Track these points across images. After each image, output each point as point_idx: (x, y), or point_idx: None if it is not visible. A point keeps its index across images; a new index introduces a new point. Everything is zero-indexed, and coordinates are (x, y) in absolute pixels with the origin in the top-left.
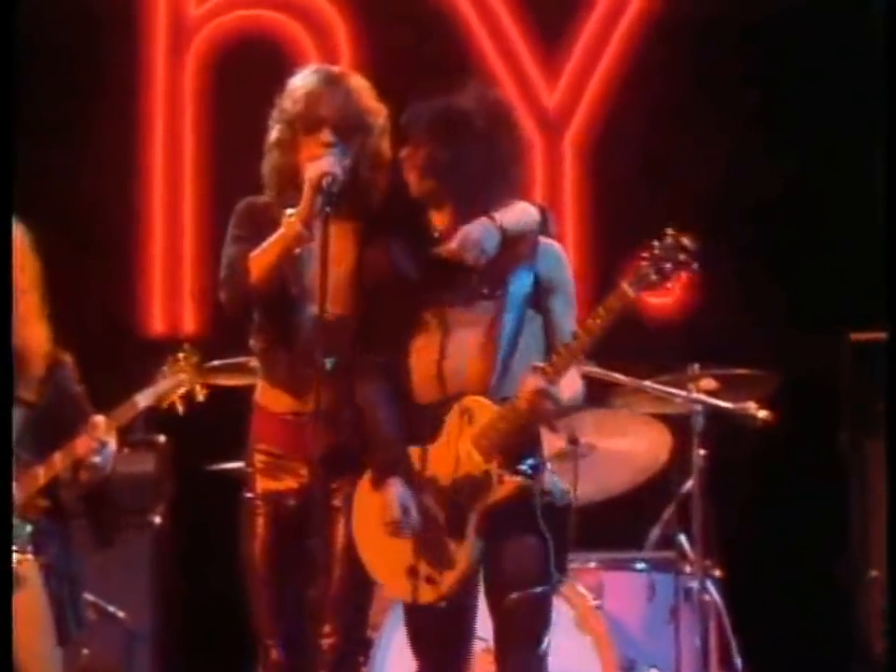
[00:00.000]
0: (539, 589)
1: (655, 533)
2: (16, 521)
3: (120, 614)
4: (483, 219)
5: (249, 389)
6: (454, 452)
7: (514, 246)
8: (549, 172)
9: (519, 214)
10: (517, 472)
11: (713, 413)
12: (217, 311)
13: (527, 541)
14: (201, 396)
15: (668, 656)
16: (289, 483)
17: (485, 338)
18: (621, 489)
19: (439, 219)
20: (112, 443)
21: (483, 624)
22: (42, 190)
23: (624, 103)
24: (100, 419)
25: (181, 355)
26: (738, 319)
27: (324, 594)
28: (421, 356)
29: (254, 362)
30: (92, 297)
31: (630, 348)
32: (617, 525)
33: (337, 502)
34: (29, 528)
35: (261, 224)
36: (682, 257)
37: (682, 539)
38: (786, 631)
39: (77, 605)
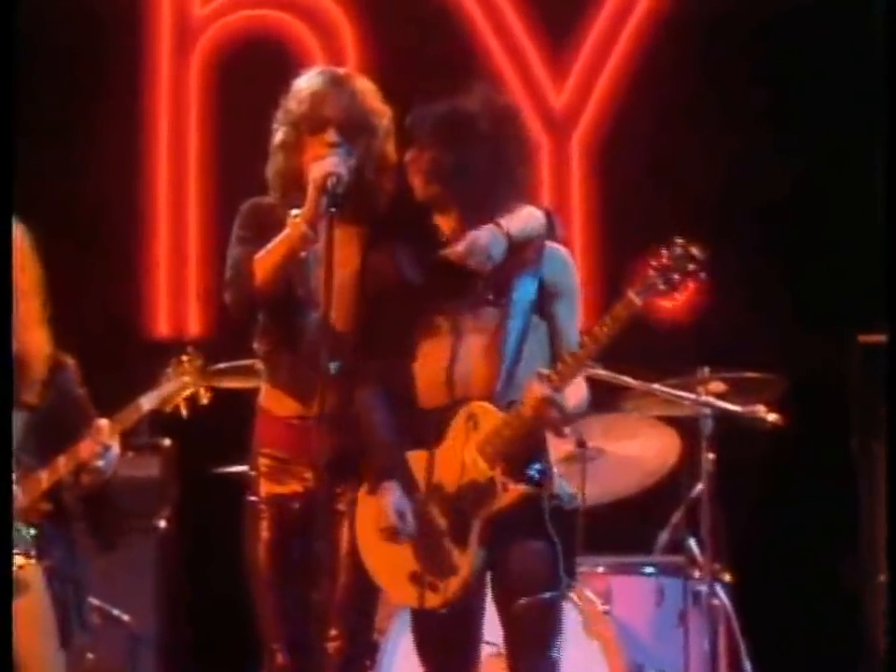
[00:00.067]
0: (548, 594)
1: (664, 537)
2: (19, 524)
3: (125, 618)
4: (491, 226)
5: (254, 392)
6: (459, 458)
7: (520, 252)
8: (556, 172)
9: (525, 219)
10: (522, 479)
11: (722, 417)
12: (222, 313)
13: (535, 546)
14: (205, 399)
15: (677, 661)
16: (294, 486)
17: (490, 344)
18: (629, 493)
19: (444, 223)
20: (115, 447)
21: (494, 629)
22: (46, 191)
23: (632, 103)
24: (103, 422)
25: (185, 357)
26: (747, 322)
27: (329, 597)
28: (428, 360)
29: (259, 365)
30: (96, 299)
31: (638, 351)
32: (625, 529)
33: (341, 506)
34: (32, 532)
35: (266, 225)
36: (691, 266)
37: (691, 542)
38: (795, 635)
39: (81, 608)
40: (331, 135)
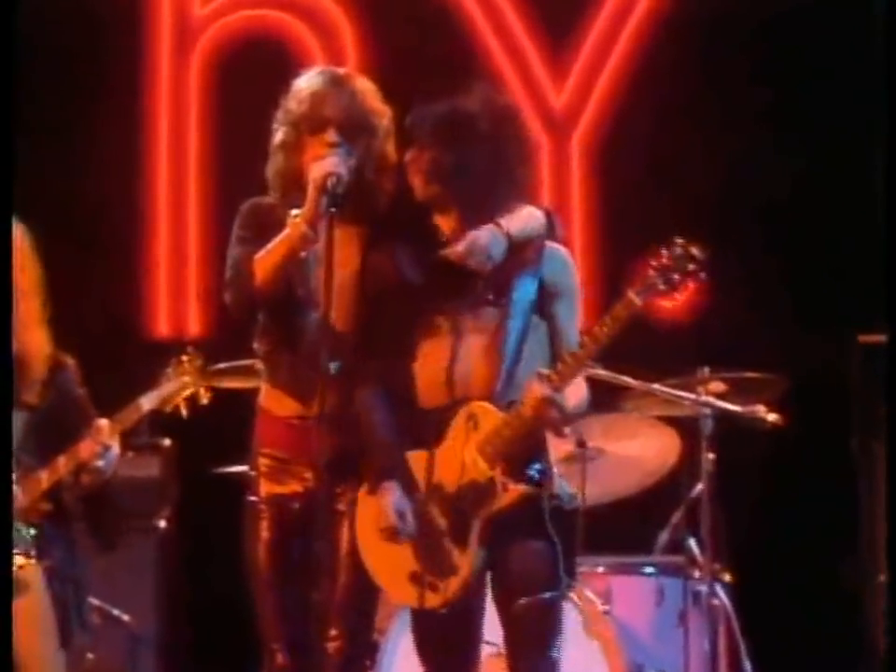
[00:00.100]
0: (548, 594)
1: (664, 537)
2: (19, 524)
3: (125, 618)
4: (491, 226)
5: (255, 392)
6: (459, 458)
7: (520, 253)
8: (556, 172)
9: (525, 219)
10: (522, 479)
11: (722, 417)
12: (223, 313)
13: (535, 546)
14: (205, 399)
15: (677, 661)
16: (294, 486)
17: (490, 344)
18: (629, 493)
19: (444, 223)
20: (115, 447)
21: (494, 629)
22: (46, 191)
23: (633, 102)
24: (103, 422)
25: (185, 357)
26: (747, 321)
27: (329, 597)
28: (428, 360)
29: (259, 365)
30: (97, 298)
31: (638, 351)
32: (625, 529)
33: (341, 506)
34: (32, 532)
35: (266, 225)
36: (691, 266)
37: (691, 542)
38: (795, 635)
39: (81, 608)
40: (331, 135)
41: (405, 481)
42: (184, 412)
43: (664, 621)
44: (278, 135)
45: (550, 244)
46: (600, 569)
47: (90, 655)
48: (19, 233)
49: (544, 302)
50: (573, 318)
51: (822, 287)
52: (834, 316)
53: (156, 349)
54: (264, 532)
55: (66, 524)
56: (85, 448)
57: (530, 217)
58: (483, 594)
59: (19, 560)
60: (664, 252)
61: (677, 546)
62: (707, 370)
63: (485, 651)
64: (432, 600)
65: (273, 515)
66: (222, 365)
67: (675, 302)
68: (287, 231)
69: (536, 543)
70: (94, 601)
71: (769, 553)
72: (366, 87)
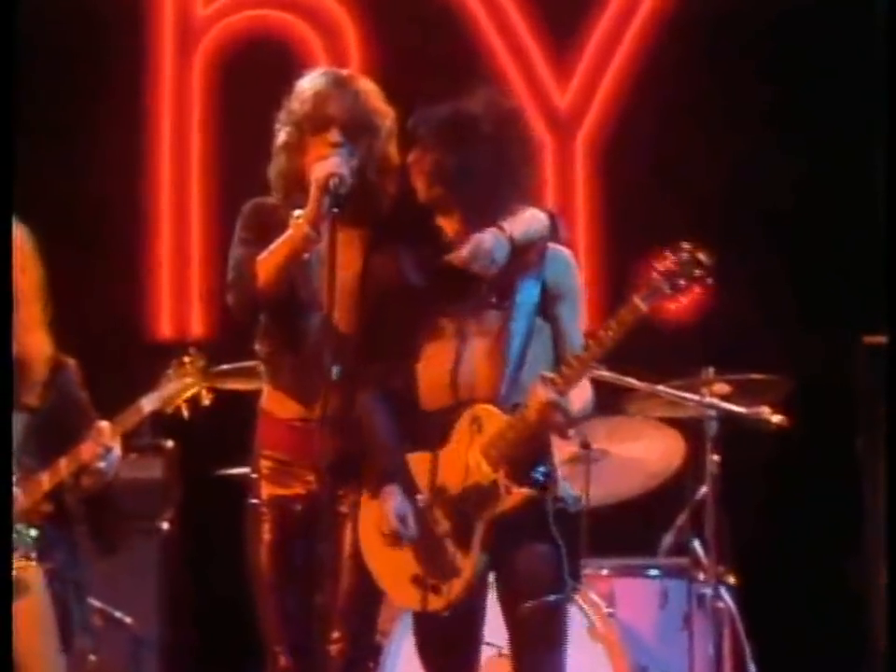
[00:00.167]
0: (552, 597)
1: (668, 539)
2: (20, 526)
3: (127, 620)
4: (494, 230)
5: (258, 394)
6: (462, 460)
7: (523, 255)
8: (560, 172)
9: (528, 222)
10: (525, 482)
11: (727, 418)
12: (226, 314)
13: (539, 549)
14: (206, 400)
15: (681, 664)
16: (296, 489)
17: (494, 347)
18: (633, 494)
19: (447, 225)
20: (117, 449)
21: (495, 630)
22: (48, 192)
23: (637, 103)
24: (105, 424)
25: (186, 358)
26: (751, 322)
27: (332, 600)
28: (432, 363)
29: (261, 367)
30: (99, 300)
31: (642, 352)
32: (629, 531)
33: (344, 508)
34: (33, 534)
35: (269, 226)
36: (697, 272)
37: (696, 545)
38: (800, 638)
39: (82, 610)
40: (334, 135)
41: (406, 484)
42: (185, 413)
43: (668, 623)
44: (281, 136)
45: (552, 245)
46: (604, 572)
47: (92, 657)
48: (21, 236)
49: (547, 305)
50: (576, 320)
51: (827, 287)
52: (839, 317)
53: (159, 350)
54: (266, 534)
55: (67, 526)
56: (86, 450)
57: (533, 219)
58: (485, 596)
59: (20, 562)
60: (670, 256)
61: (681, 548)
62: (711, 371)
63: (487, 652)
64: (435, 603)
65: (275, 518)
66: (225, 366)
67: (680, 306)
68: (289, 231)
69: (540, 546)
70: (97, 603)
71: (774, 555)
72: (369, 88)
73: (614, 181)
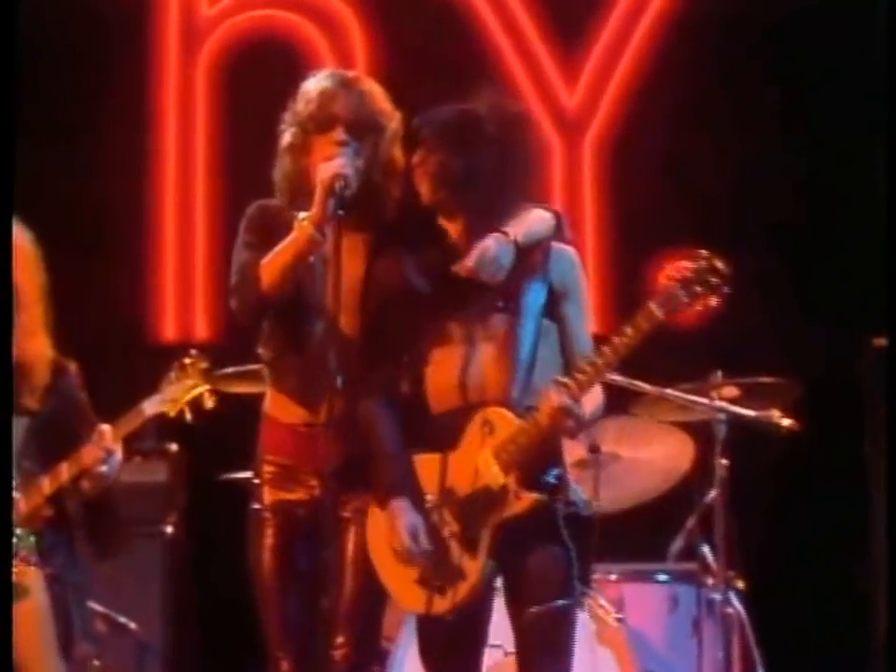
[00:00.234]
0: (561, 602)
1: (677, 544)
2: (21, 531)
3: (132, 625)
4: (498, 235)
5: (263, 397)
6: (473, 463)
7: (527, 257)
8: (568, 173)
9: (532, 223)
10: (535, 486)
11: (736, 422)
12: (231, 317)
13: (550, 553)
14: (209, 403)
15: (690, 669)
16: (299, 493)
17: (503, 351)
18: (643, 499)
19: (451, 228)
20: (118, 452)
21: (497, 631)
22: (52, 193)
23: (645, 103)
24: (106, 428)
25: (188, 361)
26: (760, 325)
27: (336, 605)
28: (440, 367)
29: (266, 370)
30: (103, 302)
31: (652, 356)
32: (638, 535)
33: (347, 513)
34: (34, 538)
35: (273, 229)
36: (714, 280)
37: (705, 549)
38: (810, 644)
39: (83, 615)
40: (339, 133)
41: (414, 495)
42: (188, 416)
43: (677, 628)
44: (285, 137)
45: (557, 245)
46: (613, 577)
47: (96, 663)
48: (24, 238)
49: (554, 305)
50: (582, 319)
51: (836, 289)
52: (849, 320)
53: (162, 353)
54: (269, 539)
55: (67, 530)
56: (88, 454)
57: (537, 219)
58: (491, 601)
59: (20, 566)
60: (687, 264)
61: (690, 553)
62: (720, 374)
63: (496, 654)
64: (440, 606)
65: (278, 522)
66: (231, 369)
67: (695, 313)
68: (293, 234)
69: (550, 550)
70: (100, 608)
71: (784, 560)
72: (375, 89)
73: (622, 182)
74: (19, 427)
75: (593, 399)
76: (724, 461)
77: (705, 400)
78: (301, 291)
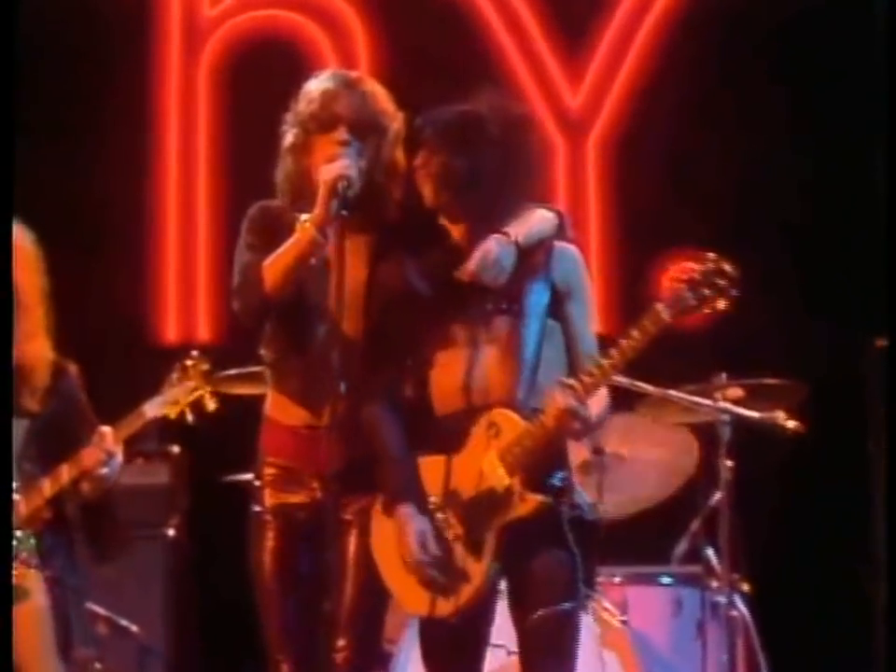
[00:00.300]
0: (566, 605)
1: (681, 546)
2: (21, 533)
3: (134, 628)
4: (499, 237)
5: (265, 399)
6: (477, 465)
7: (529, 257)
8: (572, 173)
9: (533, 223)
10: (540, 489)
11: (740, 424)
12: (233, 318)
13: (554, 557)
14: (211, 404)
15: None
16: (300, 496)
17: (507, 352)
18: (647, 504)
19: (454, 230)
20: (119, 455)
21: (499, 632)
22: (54, 194)
23: (649, 103)
24: (107, 430)
25: (189, 362)
26: (765, 326)
27: (337, 607)
28: (444, 370)
29: (267, 372)
30: (104, 303)
31: (656, 357)
32: (642, 538)
33: (348, 515)
34: (34, 540)
35: (275, 230)
36: (722, 282)
37: (709, 552)
38: (815, 647)
39: (82, 618)
40: (342, 133)
41: (419, 500)
42: (189, 417)
43: (681, 632)
44: (287, 138)
45: (559, 243)
46: (617, 579)
47: (97, 666)
48: (27, 241)
49: (557, 304)
50: (586, 317)
51: (841, 290)
52: (853, 320)
53: (164, 354)
54: (269, 542)
55: (67, 532)
56: (89, 456)
57: (538, 219)
58: (494, 604)
59: (19, 568)
60: (695, 266)
61: (694, 556)
62: (724, 376)
63: (499, 655)
64: (443, 609)
65: (279, 525)
66: (233, 371)
67: (703, 317)
68: (296, 235)
69: (555, 553)
70: (102, 611)
71: (789, 562)
72: (377, 89)
73: (626, 182)
74: (19, 428)
75: (598, 402)
76: (729, 463)
77: (709, 402)
78: (303, 293)
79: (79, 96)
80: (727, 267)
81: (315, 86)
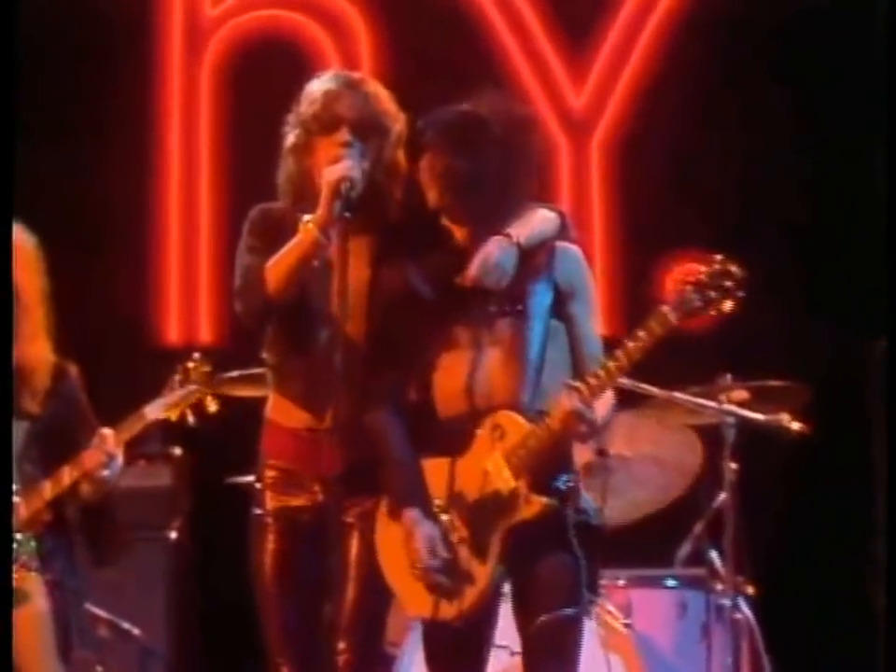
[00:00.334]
0: (569, 610)
1: (686, 549)
2: (21, 536)
3: (135, 631)
4: (500, 239)
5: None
6: (482, 467)
7: (532, 259)
8: (576, 173)
9: (535, 224)
10: (545, 491)
11: (745, 426)
12: (235, 320)
13: (559, 560)
14: (212, 407)
15: None
16: (301, 499)
17: (511, 354)
18: (651, 509)
19: (457, 231)
20: (120, 457)
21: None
22: (55, 195)
23: (652, 103)
24: (108, 432)
25: (191, 364)
26: (769, 328)
27: (338, 610)
28: (448, 372)
29: (269, 374)
30: (106, 305)
31: (660, 359)
32: (646, 540)
33: (350, 518)
34: (34, 543)
35: (276, 232)
36: (728, 284)
37: (713, 555)
38: (819, 649)
39: (82, 621)
40: (344, 134)
41: (425, 504)
42: (191, 420)
43: (686, 634)
44: (289, 139)
45: (561, 243)
46: (621, 582)
47: (99, 669)
48: (28, 243)
49: (561, 304)
50: (590, 317)
51: (843, 291)
52: (855, 322)
53: (166, 356)
54: (270, 545)
55: (67, 535)
56: (89, 458)
57: (540, 219)
58: (498, 607)
59: (20, 572)
60: (701, 268)
61: (699, 558)
62: (729, 377)
63: (502, 656)
64: (447, 612)
65: (280, 528)
66: (236, 373)
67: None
68: (298, 237)
69: (560, 557)
70: (103, 614)
71: (793, 564)
72: (380, 90)
73: (629, 182)
74: (19, 430)
75: (604, 404)
76: (733, 465)
77: (713, 404)
78: (305, 295)
79: (80, 96)
80: (733, 268)
81: (318, 87)
